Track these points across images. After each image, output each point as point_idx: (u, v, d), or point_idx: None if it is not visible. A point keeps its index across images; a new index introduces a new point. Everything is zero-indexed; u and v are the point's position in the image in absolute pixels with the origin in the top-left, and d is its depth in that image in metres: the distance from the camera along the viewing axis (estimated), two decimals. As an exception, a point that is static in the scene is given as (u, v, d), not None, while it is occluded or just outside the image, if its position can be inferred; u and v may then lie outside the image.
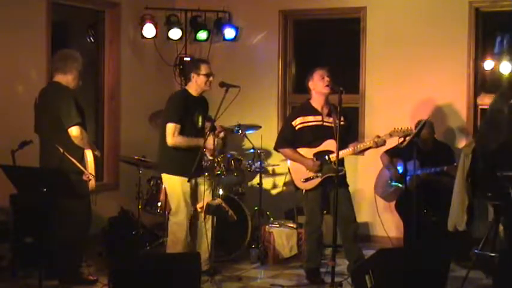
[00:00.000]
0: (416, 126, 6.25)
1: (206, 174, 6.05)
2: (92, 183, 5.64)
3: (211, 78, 5.98)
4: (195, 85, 6.00)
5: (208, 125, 5.94)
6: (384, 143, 5.89)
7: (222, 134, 5.97)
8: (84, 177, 5.60)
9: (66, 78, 5.78)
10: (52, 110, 5.69)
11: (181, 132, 5.88)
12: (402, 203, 6.85)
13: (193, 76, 5.99)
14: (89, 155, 5.70)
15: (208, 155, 6.27)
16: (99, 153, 5.88)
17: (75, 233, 5.74)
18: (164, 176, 6.05)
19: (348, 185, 6.04)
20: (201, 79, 5.96)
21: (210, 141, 5.77)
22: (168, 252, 6.08)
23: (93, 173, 5.67)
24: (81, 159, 5.68)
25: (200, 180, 6.02)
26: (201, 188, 6.02)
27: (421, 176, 6.61)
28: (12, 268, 5.96)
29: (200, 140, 5.81)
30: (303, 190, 6.02)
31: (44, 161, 5.78)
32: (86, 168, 5.63)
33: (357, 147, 5.90)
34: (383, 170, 7.12)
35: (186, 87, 6.09)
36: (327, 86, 5.87)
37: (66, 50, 6.05)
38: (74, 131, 5.62)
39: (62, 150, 5.57)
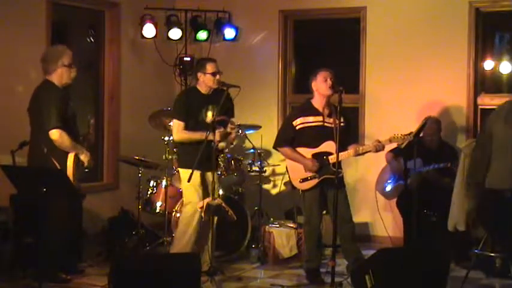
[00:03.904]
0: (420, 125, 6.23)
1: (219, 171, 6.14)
2: None
3: (218, 76, 6.01)
4: (203, 84, 6.06)
5: (229, 119, 6.04)
6: (382, 148, 5.90)
7: (231, 130, 6.03)
8: None
9: (54, 77, 5.80)
10: (37, 110, 5.73)
11: (186, 128, 6.00)
12: (403, 200, 6.85)
13: (200, 76, 6.04)
14: (69, 158, 5.69)
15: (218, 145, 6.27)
16: (86, 156, 5.79)
17: (56, 232, 5.71)
18: (179, 170, 6.17)
19: (344, 185, 6.04)
20: (208, 78, 6.00)
21: (216, 137, 5.79)
22: (175, 242, 6.09)
23: (70, 177, 5.62)
24: (66, 161, 5.70)
25: (209, 174, 6.01)
26: (213, 184, 6.01)
27: (424, 173, 6.61)
28: (12, 268, 5.96)
29: (203, 134, 5.80)
30: (299, 190, 6.03)
31: (29, 159, 5.82)
32: (65, 172, 5.62)
33: (357, 150, 5.90)
34: (385, 168, 7.12)
35: (196, 85, 6.16)
36: (330, 88, 5.88)
37: (49, 48, 6.05)
38: (53, 135, 5.62)
39: (45, 150, 5.62)
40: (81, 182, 5.97)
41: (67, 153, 5.70)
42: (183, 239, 6.02)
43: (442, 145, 6.99)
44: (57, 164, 5.61)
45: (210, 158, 5.70)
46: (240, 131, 7.11)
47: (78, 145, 5.80)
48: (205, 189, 6.06)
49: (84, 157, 5.79)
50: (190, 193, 6.05)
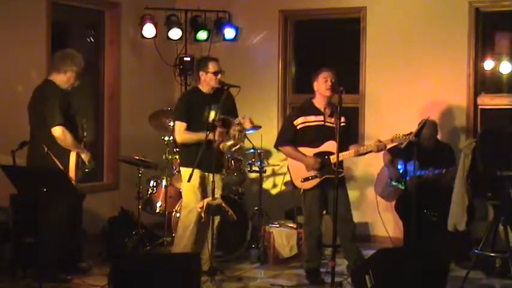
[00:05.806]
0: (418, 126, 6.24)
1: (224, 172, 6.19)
2: None
3: (219, 76, 6.00)
4: (204, 83, 6.05)
5: (234, 118, 5.96)
6: (384, 147, 5.90)
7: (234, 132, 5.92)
8: None
9: (60, 78, 5.81)
10: (39, 108, 5.72)
11: (189, 129, 5.96)
12: (402, 204, 6.84)
13: (202, 75, 6.03)
14: (71, 157, 5.70)
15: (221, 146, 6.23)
16: (87, 155, 5.81)
17: (56, 232, 5.71)
18: (181, 169, 6.13)
19: (345, 185, 6.04)
20: (210, 77, 6.00)
21: (216, 136, 5.79)
22: (175, 245, 6.10)
23: (73, 177, 5.65)
24: (67, 160, 5.69)
25: (216, 177, 5.98)
26: (213, 184, 5.99)
27: (421, 176, 6.60)
28: (12, 268, 5.96)
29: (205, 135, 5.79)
30: (300, 189, 6.03)
31: (29, 158, 5.81)
32: (67, 171, 5.63)
33: (358, 150, 5.90)
34: (383, 169, 7.12)
35: (198, 85, 6.15)
36: (329, 89, 5.89)
37: (68, 49, 6.05)
38: (56, 132, 5.63)
39: (46, 149, 5.61)
40: (81, 182, 5.96)
41: (68, 152, 5.70)
42: (181, 242, 6.02)
43: (438, 146, 6.98)
44: (58, 163, 5.61)
45: (211, 159, 5.68)
46: (253, 128, 7.06)
47: (79, 144, 5.82)
48: (204, 191, 6.04)
49: (85, 156, 5.81)
50: (188, 194, 6.04)
